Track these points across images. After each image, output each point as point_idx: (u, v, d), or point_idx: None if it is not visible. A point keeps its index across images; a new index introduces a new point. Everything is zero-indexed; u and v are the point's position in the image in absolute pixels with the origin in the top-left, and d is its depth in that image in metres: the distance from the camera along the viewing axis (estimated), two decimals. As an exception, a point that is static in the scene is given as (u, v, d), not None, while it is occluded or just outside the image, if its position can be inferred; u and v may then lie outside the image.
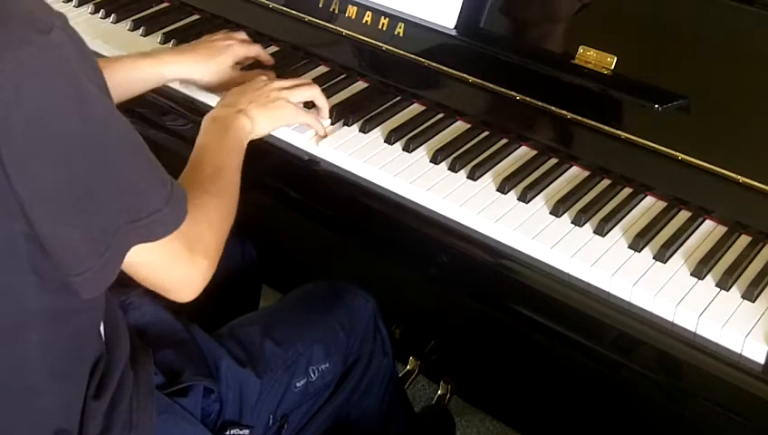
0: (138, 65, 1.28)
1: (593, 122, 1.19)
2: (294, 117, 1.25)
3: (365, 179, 1.22)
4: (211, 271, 0.99)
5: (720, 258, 1.07)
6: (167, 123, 1.39)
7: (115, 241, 0.85)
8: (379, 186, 1.21)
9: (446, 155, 1.23)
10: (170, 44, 1.50)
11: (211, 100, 1.35)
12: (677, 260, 1.07)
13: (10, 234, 0.81)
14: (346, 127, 1.29)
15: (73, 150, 0.79)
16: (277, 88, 1.25)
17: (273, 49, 1.49)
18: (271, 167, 1.28)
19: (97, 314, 0.97)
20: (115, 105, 1.22)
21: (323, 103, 1.29)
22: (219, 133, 1.15)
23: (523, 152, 1.25)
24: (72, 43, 0.79)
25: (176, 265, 0.95)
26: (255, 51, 1.40)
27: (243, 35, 1.41)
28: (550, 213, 1.14)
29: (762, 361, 0.96)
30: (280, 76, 1.39)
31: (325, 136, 1.27)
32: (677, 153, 1.13)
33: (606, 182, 1.19)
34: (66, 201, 0.81)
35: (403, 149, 1.25)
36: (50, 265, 0.84)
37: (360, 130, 1.28)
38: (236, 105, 1.20)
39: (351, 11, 1.41)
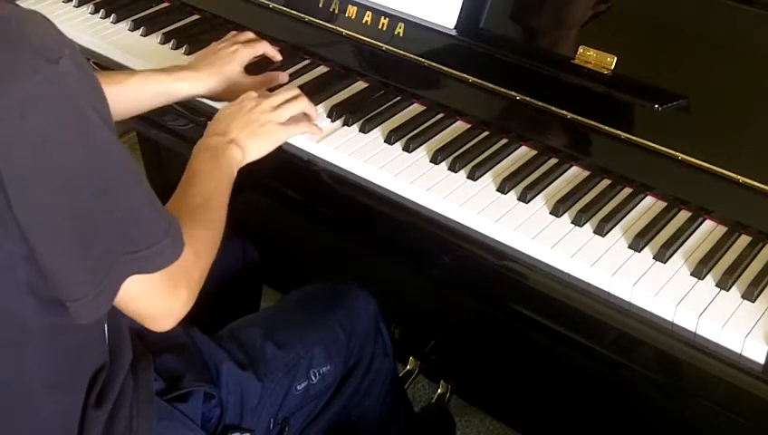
0: (154, 78, 1.27)
1: (593, 122, 1.19)
2: (286, 137, 1.24)
3: (365, 179, 1.22)
4: (191, 303, 0.98)
5: (720, 258, 1.07)
6: (167, 123, 1.39)
7: (112, 271, 0.85)
8: (379, 186, 1.21)
9: (446, 155, 1.23)
10: (170, 44, 1.50)
11: (211, 101, 1.35)
12: (677, 260, 1.07)
13: (8, 255, 0.81)
14: (346, 127, 1.29)
15: (75, 180, 0.80)
16: (268, 109, 1.22)
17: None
18: (271, 167, 1.28)
19: (97, 328, 0.97)
20: (129, 117, 1.22)
21: (313, 111, 1.28)
22: (210, 163, 1.14)
23: (523, 152, 1.25)
24: (80, 72, 0.79)
25: (159, 297, 0.94)
26: (262, 49, 1.39)
27: (248, 35, 1.40)
28: (550, 213, 1.14)
29: (762, 361, 0.96)
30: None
31: (322, 133, 1.27)
32: (677, 153, 1.13)
33: (606, 182, 1.19)
34: (66, 230, 0.81)
35: (403, 150, 1.25)
36: (48, 286, 0.84)
37: (360, 130, 1.28)
38: (227, 134, 1.18)
39: (351, 11, 1.41)
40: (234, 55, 1.34)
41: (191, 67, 1.33)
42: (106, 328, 1.00)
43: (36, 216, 0.79)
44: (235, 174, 1.16)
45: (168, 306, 0.95)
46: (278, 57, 1.41)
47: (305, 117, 1.27)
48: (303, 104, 1.27)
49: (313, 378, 1.22)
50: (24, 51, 0.75)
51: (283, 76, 1.38)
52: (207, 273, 1.02)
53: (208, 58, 1.34)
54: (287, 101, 1.25)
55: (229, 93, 1.31)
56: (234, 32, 1.43)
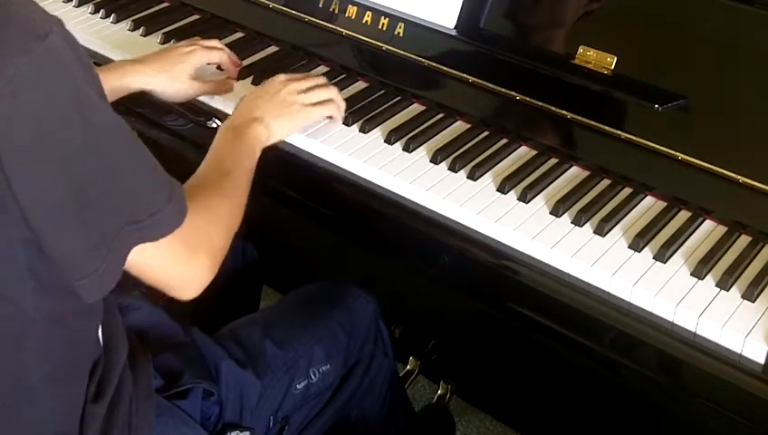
0: (103, 78, 1.27)
1: (593, 122, 1.19)
2: (311, 119, 1.26)
3: (365, 179, 1.22)
4: (214, 270, 0.98)
5: (720, 258, 1.07)
6: (167, 123, 1.39)
7: (116, 244, 0.84)
8: (379, 186, 1.21)
9: (446, 155, 1.23)
10: (170, 44, 1.49)
11: (211, 99, 1.35)
12: (677, 260, 1.07)
13: (8, 240, 0.81)
14: (346, 127, 1.29)
15: (74, 157, 0.79)
16: (294, 91, 1.24)
17: (273, 49, 1.49)
18: (271, 167, 1.28)
19: (95, 318, 0.97)
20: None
21: (339, 98, 1.29)
22: (233, 140, 1.16)
23: (523, 152, 1.25)
24: (70, 47, 0.78)
25: (179, 263, 0.94)
26: (218, 57, 1.38)
27: (211, 42, 1.39)
28: (550, 213, 1.14)
29: (762, 361, 0.96)
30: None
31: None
32: (677, 153, 1.13)
33: (606, 182, 1.19)
34: (68, 207, 0.80)
35: (403, 150, 1.25)
36: (49, 269, 0.83)
37: (360, 130, 1.28)
38: (252, 112, 1.20)
39: (351, 11, 1.41)
40: (187, 56, 1.33)
41: (141, 61, 1.33)
42: (101, 328, 0.99)
43: (37, 195, 0.78)
44: (259, 153, 1.17)
45: (188, 272, 0.96)
46: (238, 63, 1.41)
47: (330, 102, 1.27)
48: (331, 91, 1.28)
49: (313, 377, 1.23)
50: (12, 31, 0.75)
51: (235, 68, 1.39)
52: (230, 243, 1.02)
53: (162, 54, 1.34)
54: (314, 86, 1.27)
55: (177, 92, 1.32)
56: (197, 37, 1.42)
